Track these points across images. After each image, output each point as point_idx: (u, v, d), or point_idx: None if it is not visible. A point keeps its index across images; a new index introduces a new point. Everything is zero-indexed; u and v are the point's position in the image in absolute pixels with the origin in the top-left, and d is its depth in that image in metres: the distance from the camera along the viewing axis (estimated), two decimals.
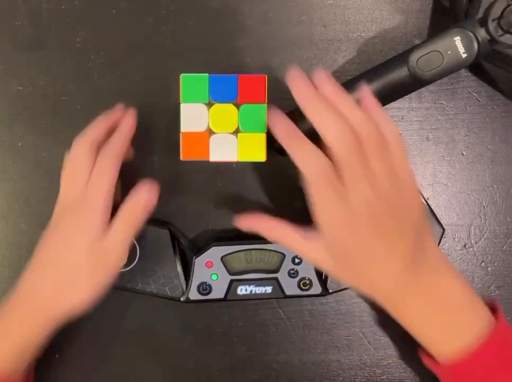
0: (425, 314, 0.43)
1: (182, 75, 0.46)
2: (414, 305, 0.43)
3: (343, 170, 0.40)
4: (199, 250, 0.50)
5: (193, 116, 0.47)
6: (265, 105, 0.47)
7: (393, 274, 0.42)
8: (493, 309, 0.44)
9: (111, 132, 0.46)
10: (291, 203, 0.51)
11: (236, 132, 0.47)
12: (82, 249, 0.43)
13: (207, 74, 0.47)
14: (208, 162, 0.47)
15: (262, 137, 0.47)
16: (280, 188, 0.52)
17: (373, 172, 0.40)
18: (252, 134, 0.47)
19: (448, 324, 0.43)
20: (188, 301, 0.49)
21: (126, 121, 0.46)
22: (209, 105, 0.47)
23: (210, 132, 0.47)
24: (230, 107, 0.47)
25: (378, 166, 0.40)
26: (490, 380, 0.42)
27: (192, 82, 0.47)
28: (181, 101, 0.47)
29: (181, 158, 0.47)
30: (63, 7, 0.51)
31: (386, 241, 0.41)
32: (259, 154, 0.47)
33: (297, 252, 0.44)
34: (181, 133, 0.47)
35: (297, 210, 0.51)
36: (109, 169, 0.43)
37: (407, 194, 0.42)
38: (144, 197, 0.44)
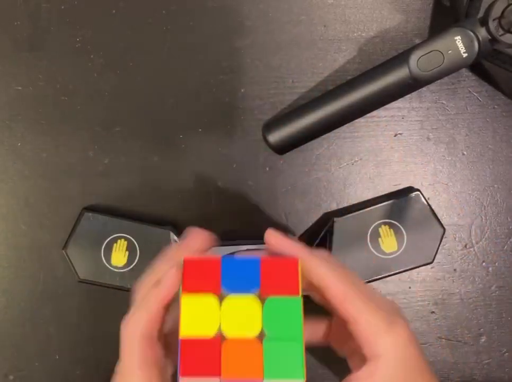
0: None
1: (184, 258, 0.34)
2: None
3: None
4: None
5: (197, 314, 0.33)
6: (300, 298, 0.33)
7: None
8: None
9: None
10: (292, 203, 0.51)
11: (259, 337, 0.33)
12: None
13: (219, 256, 0.34)
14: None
15: (297, 347, 0.33)
16: (280, 188, 0.52)
17: None
18: (283, 343, 0.33)
19: None
20: None
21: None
22: (221, 297, 0.33)
23: (221, 337, 0.33)
24: (251, 301, 0.33)
25: None
26: None
27: (198, 266, 0.34)
28: (180, 293, 0.34)
29: (179, 376, 0.32)
30: (63, 7, 0.51)
31: None
32: (295, 371, 0.32)
33: None
34: (179, 340, 0.33)
35: (299, 211, 0.51)
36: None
37: None
38: None
